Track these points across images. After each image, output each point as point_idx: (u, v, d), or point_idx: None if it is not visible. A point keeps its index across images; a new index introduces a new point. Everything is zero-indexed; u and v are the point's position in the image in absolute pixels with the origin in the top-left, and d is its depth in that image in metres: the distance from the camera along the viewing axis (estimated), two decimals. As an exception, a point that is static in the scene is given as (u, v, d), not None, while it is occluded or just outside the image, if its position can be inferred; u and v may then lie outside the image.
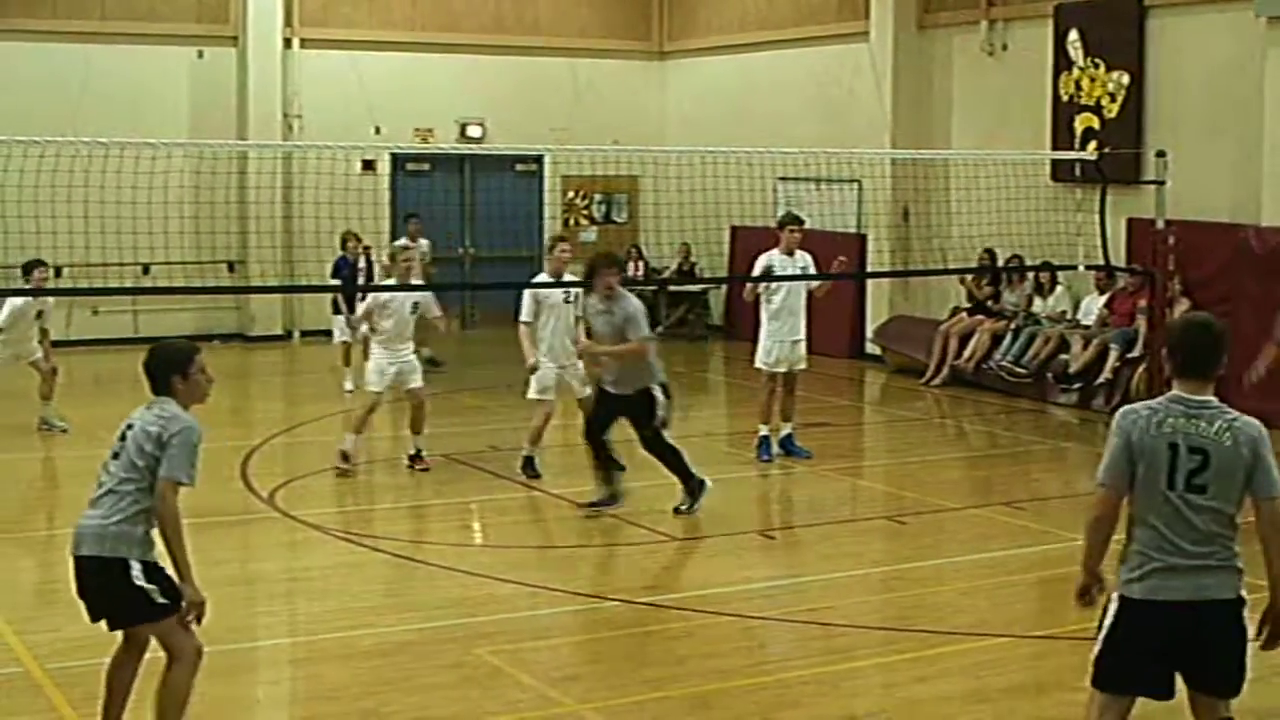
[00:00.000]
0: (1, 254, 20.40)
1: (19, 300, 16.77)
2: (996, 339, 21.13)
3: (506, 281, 28.44)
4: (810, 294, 16.43)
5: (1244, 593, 6.60)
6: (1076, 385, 19.73)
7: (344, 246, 21.24)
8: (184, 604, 7.52)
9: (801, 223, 16.17)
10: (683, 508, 13.60)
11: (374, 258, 21.72)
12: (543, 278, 15.55)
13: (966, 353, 21.40)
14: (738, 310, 25.84)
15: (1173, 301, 18.31)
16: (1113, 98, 20.64)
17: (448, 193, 27.03)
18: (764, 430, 16.19)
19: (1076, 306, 20.89)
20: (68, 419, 17.11)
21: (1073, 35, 21.15)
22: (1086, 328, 20.24)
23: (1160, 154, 17.83)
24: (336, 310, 20.61)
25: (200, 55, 25.92)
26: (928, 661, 9.67)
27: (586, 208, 28.68)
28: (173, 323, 22.65)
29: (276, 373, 24.42)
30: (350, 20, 26.89)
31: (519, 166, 27.93)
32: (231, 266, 25.15)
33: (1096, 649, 6.73)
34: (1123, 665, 6.64)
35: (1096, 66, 20.84)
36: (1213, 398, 6.64)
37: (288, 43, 26.25)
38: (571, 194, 28.46)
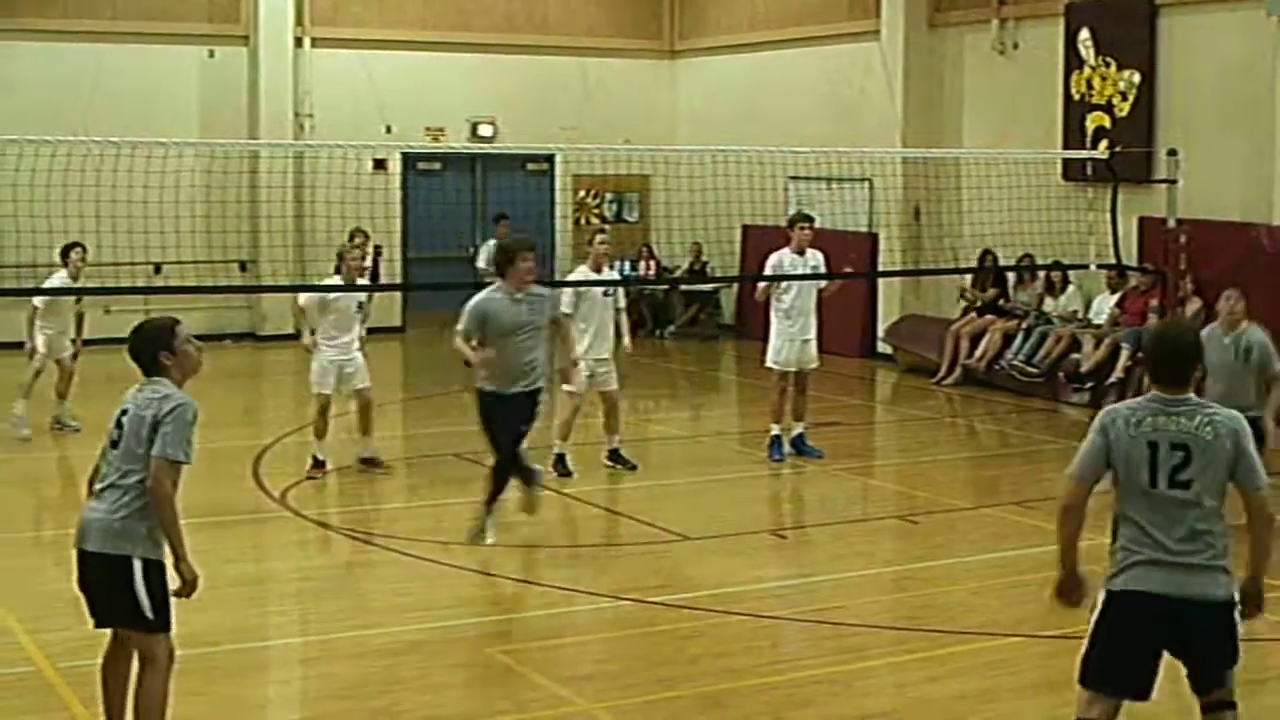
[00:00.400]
0: (14, 253, 20.45)
1: (56, 282, 16.79)
2: (1008, 338, 21.11)
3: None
4: (819, 293, 16.41)
5: (1235, 594, 6.62)
6: (1088, 384, 19.72)
7: (351, 243, 21.07)
8: (182, 582, 7.36)
9: (812, 221, 16.16)
10: (472, 531, 12.55)
11: (381, 256, 21.55)
12: (583, 271, 15.62)
13: (978, 352, 21.38)
14: (749, 309, 25.84)
15: (1184, 300, 18.31)
16: (1124, 96, 20.62)
17: (459, 192, 27.08)
18: (775, 429, 16.18)
19: (1088, 306, 20.86)
20: (80, 418, 17.12)
21: (1084, 34, 21.13)
22: (1098, 327, 20.22)
23: (1172, 153, 17.84)
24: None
25: (211, 55, 25.93)
26: (939, 661, 9.67)
27: (598, 207, 28.69)
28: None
29: (288, 372, 24.37)
30: (361, 19, 26.90)
31: (530, 165, 27.97)
32: (243, 266, 25.15)
33: (1084, 646, 6.81)
34: (1106, 661, 6.71)
35: (1108, 65, 20.83)
36: (1191, 395, 6.68)
37: (299, 42, 26.26)
38: (583, 193, 28.47)
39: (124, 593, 7.30)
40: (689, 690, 9.12)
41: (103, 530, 7.33)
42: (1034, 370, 20.44)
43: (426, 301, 27.51)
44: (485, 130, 27.28)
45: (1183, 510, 6.55)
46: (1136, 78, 20.48)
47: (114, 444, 7.44)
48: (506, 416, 12.49)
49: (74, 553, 7.51)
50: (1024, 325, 21.04)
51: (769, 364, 16.22)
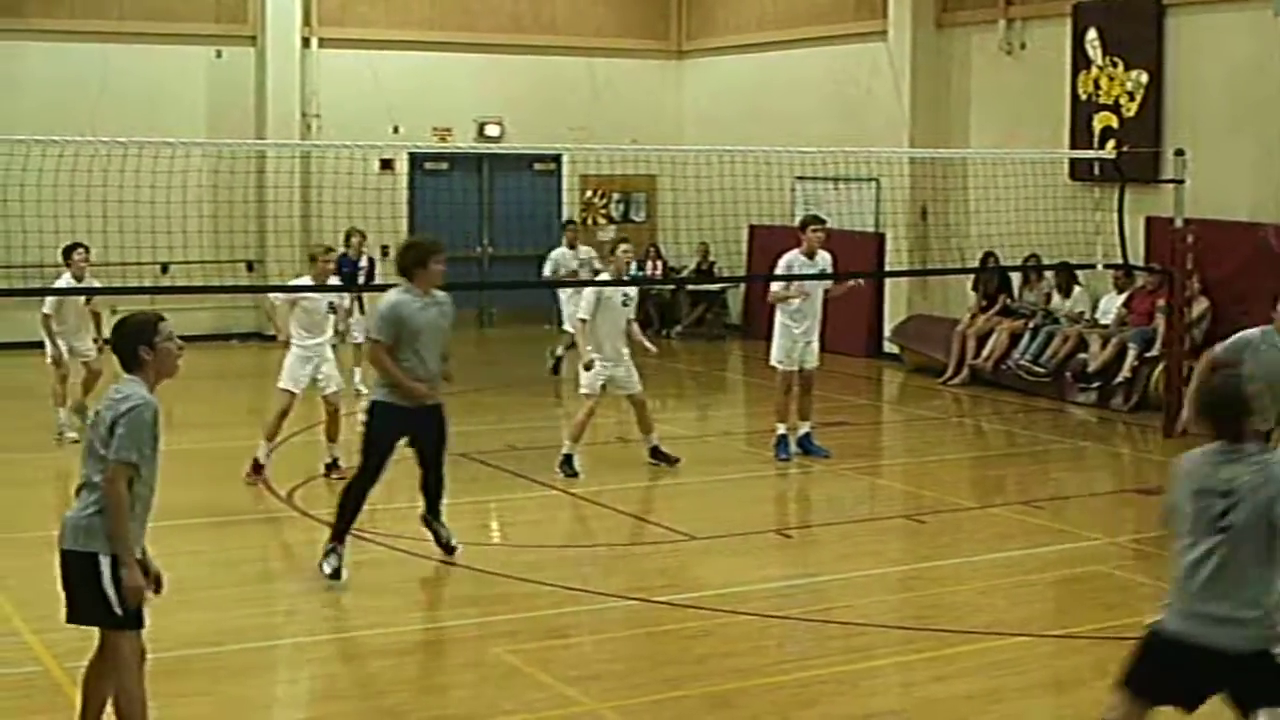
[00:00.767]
0: (21, 253, 20.45)
1: (62, 284, 16.78)
2: (1015, 338, 21.09)
3: (525, 280, 28.60)
4: (826, 294, 16.40)
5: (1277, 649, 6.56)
6: (1095, 384, 19.70)
7: (347, 243, 20.96)
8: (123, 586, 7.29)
9: (824, 223, 16.14)
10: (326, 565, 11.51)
11: (376, 256, 21.42)
12: (605, 277, 15.71)
13: (985, 352, 21.36)
14: (756, 309, 25.85)
15: (1191, 300, 18.30)
16: (1131, 96, 20.60)
17: (466, 192, 27.08)
18: (782, 429, 16.18)
19: (1095, 306, 20.84)
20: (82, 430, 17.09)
21: (1091, 34, 21.11)
22: (1105, 327, 20.19)
23: (1179, 153, 17.85)
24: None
25: (219, 55, 25.94)
26: (945, 661, 9.66)
27: (605, 207, 28.69)
28: (191, 322, 22.56)
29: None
30: (368, 20, 26.91)
31: (537, 166, 27.96)
32: (250, 266, 25.17)
33: (1135, 649, 6.79)
34: (1148, 678, 6.69)
35: (1115, 65, 20.81)
36: (1248, 444, 6.63)
37: (306, 42, 26.28)
38: (590, 193, 28.47)
39: (91, 587, 7.30)
40: (696, 690, 9.12)
41: (74, 528, 7.36)
42: (1041, 370, 20.42)
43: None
44: (492, 130, 27.28)
45: (1228, 555, 6.49)
46: (1144, 78, 20.46)
47: (90, 444, 7.45)
48: (396, 435, 11.65)
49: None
50: (1031, 325, 21.02)
51: (773, 363, 16.23)
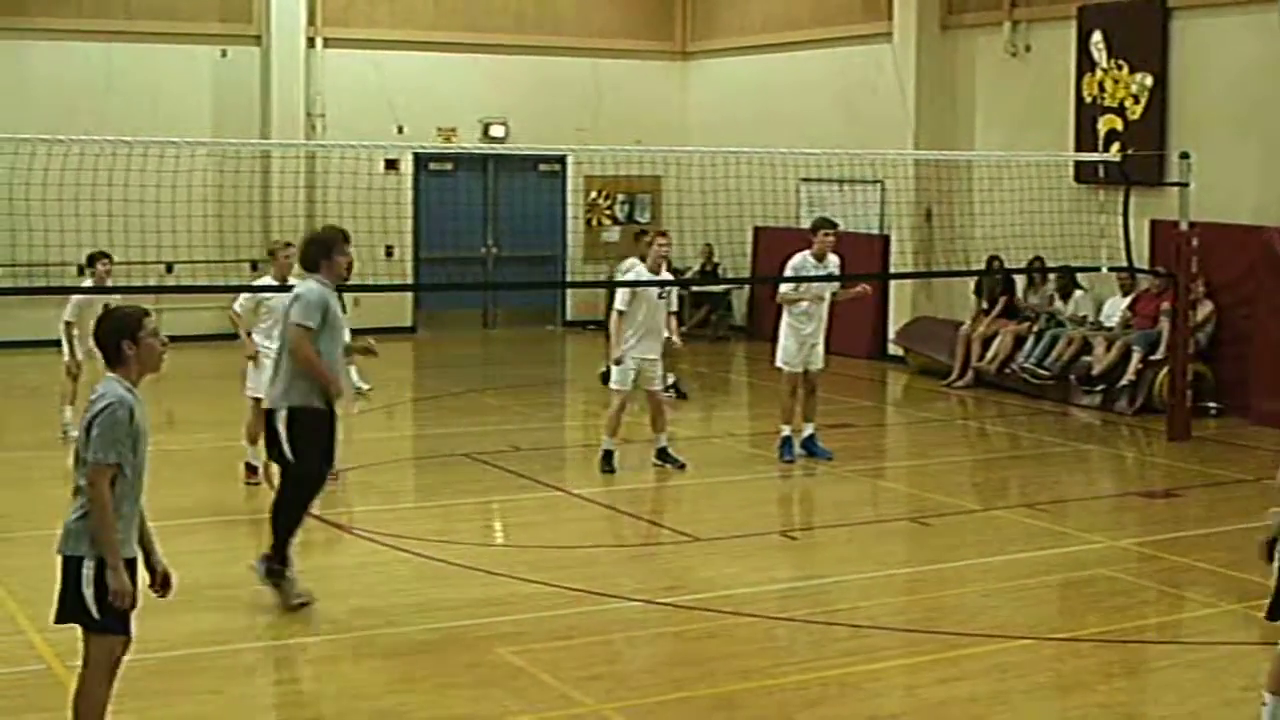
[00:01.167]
0: (26, 252, 20.48)
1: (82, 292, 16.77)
2: (1019, 341, 21.09)
3: (532, 281, 28.66)
4: (832, 297, 16.38)
5: None
6: (1099, 387, 19.69)
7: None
8: (110, 590, 7.20)
9: (835, 227, 16.10)
10: (258, 565, 10.88)
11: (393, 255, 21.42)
12: (641, 270, 15.69)
13: (989, 354, 21.36)
14: (760, 311, 25.88)
15: (1196, 304, 18.29)
16: (1136, 99, 20.60)
17: (470, 192, 27.11)
18: (786, 431, 16.18)
19: (1099, 308, 20.83)
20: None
21: (1096, 37, 21.11)
22: (1109, 330, 20.19)
23: (1184, 156, 17.85)
24: None
25: (224, 54, 25.95)
26: (950, 663, 9.66)
27: (609, 208, 28.69)
28: (195, 321, 22.65)
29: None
30: (373, 20, 26.92)
31: (542, 166, 28.00)
32: (254, 265, 25.14)
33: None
34: None
35: (1120, 68, 20.80)
36: None
37: (311, 42, 26.28)
38: (594, 194, 28.48)
39: (73, 590, 7.27)
40: (700, 691, 9.11)
41: (64, 533, 7.33)
42: (1045, 373, 20.41)
43: (437, 302, 27.62)
44: (497, 131, 27.29)
45: None
46: (1149, 80, 20.45)
47: (78, 448, 7.40)
48: (322, 435, 10.83)
49: None
50: (1035, 328, 21.02)
51: (778, 364, 16.23)
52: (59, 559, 7.36)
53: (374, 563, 12.19)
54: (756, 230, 25.91)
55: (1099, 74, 21.09)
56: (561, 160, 27.87)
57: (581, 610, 10.89)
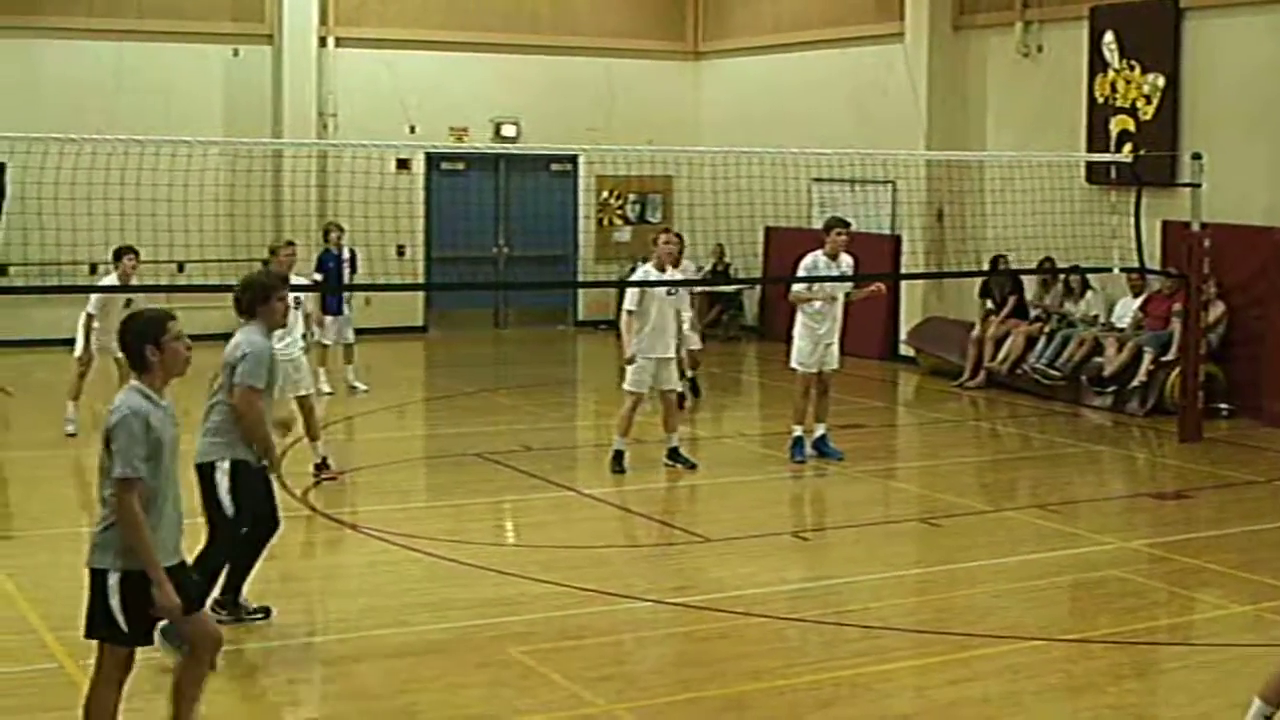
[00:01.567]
0: (38, 250, 20.49)
1: (108, 284, 16.77)
2: (1031, 341, 21.06)
3: (543, 281, 28.65)
4: (846, 297, 16.37)
5: None
6: (1110, 388, 19.66)
7: (326, 238, 20.90)
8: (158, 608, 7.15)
9: (848, 226, 16.10)
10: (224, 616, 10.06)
11: (357, 248, 21.25)
12: (649, 269, 15.68)
13: (1000, 355, 21.34)
14: (772, 311, 25.87)
15: (1208, 304, 18.26)
16: (1148, 100, 20.57)
17: (482, 192, 27.12)
18: (798, 431, 16.17)
19: (1111, 309, 20.81)
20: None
21: (1108, 37, 21.08)
22: (1121, 331, 20.16)
23: (1196, 156, 17.81)
24: (326, 310, 20.20)
25: (235, 54, 25.96)
26: (961, 664, 9.65)
27: (621, 208, 28.69)
28: (206, 321, 22.41)
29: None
30: (385, 19, 26.93)
31: (554, 166, 27.99)
32: (266, 265, 25.13)
33: None
34: None
35: (1132, 68, 20.78)
36: None
37: (323, 41, 26.30)
38: (606, 194, 28.47)
39: (99, 603, 7.19)
40: (710, 691, 9.11)
41: (91, 545, 7.25)
42: (1057, 373, 20.39)
43: (448, 301, 27.64)
44: (509, 131, 27.30)
45: None
46: (1161, 81, 20.42)
47: (102, 459, 7.28)
48: (260, 492, 10.25)
49: None
50: (1047, 329, 20.99)
51: (793, 365, 16.22)
52: (86, 572, 7.30)
53: (385, 562, 12.20)
54: (768, 230, 25.89)
55: (1111, 74, 21.07)
56: (573, 160, 27.86)
57: (593, 610, 10.89)
